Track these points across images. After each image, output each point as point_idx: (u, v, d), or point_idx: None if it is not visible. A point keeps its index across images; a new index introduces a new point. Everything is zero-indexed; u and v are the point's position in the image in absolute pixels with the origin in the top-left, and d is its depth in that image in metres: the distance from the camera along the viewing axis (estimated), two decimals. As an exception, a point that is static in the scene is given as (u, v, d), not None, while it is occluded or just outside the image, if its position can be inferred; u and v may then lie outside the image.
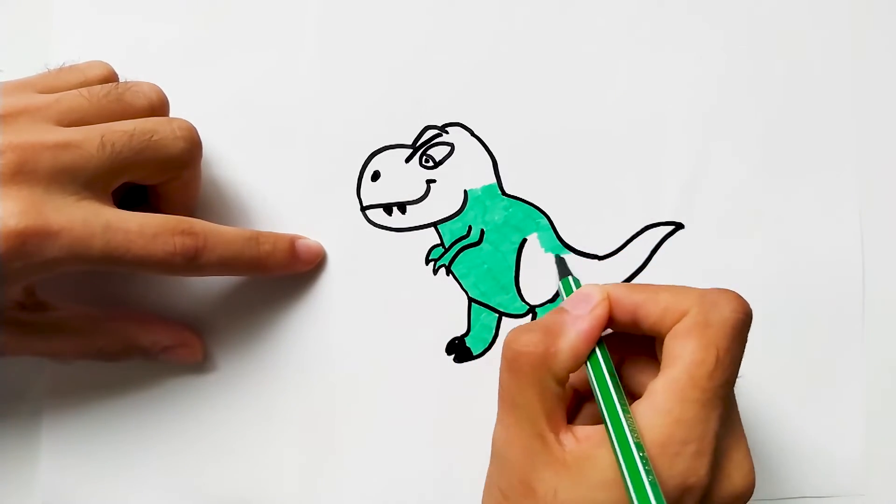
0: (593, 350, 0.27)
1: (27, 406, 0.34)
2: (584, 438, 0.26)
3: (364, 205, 0.35)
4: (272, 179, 0.35)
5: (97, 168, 0.28)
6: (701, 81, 0.35)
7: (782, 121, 0.35)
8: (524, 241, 0.35)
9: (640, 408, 0.25)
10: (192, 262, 0.29)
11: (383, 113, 0.35)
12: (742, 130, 0.35)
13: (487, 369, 0.34)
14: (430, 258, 0.35)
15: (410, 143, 0.35)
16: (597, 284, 0.28)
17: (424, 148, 0.35)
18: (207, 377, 0.34)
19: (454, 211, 0.35)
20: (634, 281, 0.35)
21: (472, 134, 0.35)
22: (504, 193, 0.35)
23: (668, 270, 0.35)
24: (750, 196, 0.35)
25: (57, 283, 0.31)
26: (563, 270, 0.32)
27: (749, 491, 0.26)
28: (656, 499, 0.23)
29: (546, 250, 0.35)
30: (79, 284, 0.34)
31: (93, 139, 0.28)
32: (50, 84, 0.30)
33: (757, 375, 0.34)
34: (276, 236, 0.33)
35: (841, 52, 0.36)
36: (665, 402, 0.25)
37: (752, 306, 0.34)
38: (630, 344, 0.29)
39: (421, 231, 0.35)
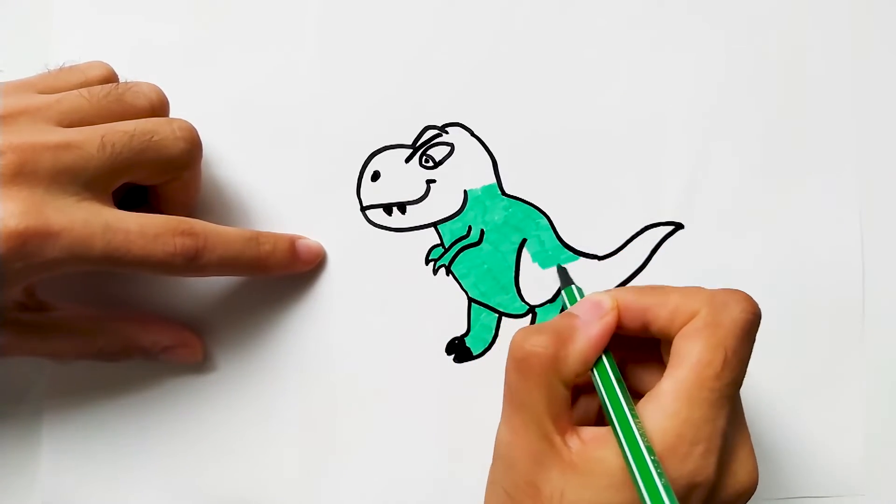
0: (600, 356, 0.27)
1: (27, 407, 0.34)
2: (590, 440, 0.26)
3: (364, 205, 0.35)
4: (272, 179, 0.35)
5: (97, 168, 0.28)
6: (701, 81, 0.35)
7: (782, 121, 0.35)
8: (524, 241, 0.35)
9: (648, 409, 0.25)
10: (193, 262, 0.29)
11: (383, 113, 0.35)
12: (742, 130, 0.35)
13: (487, 369, 0.34)
14: (429, 258, 0.35)
15: (410, 143, 0.35)
16: (606, 292, 0.28)
17: (424, 148, 0.35)
18: (207, 377, 0.34)
19: (454, 211, 0.35)
20: (634, 281, 0.35)
21: (472, 134, 0.35)
22: (504, 193, 0.35)
23: (668, 270, 0.35)
24: (750, 196, 0.35)
25: (57, 284, 0.31)
26: (566, 280, 0.33)
27: (753, 487, 0.26)
28: (671, 501, 0.23)
29: (546, 250, 0.35)
30: (79, 285, 0.34)
31: (93, 140, 0.28)
32: (50, 84, 0.30)
33: (757, 375, 0.34)
34: (277, 236, 0.33)
35: (841, 52, 0.36)
36: (673, 402, 0.25)
37: (752, 306, 0.35)
38: (631, 344, 0.29)
39: (421, 231, 0.35)
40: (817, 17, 0.36)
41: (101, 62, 0.32)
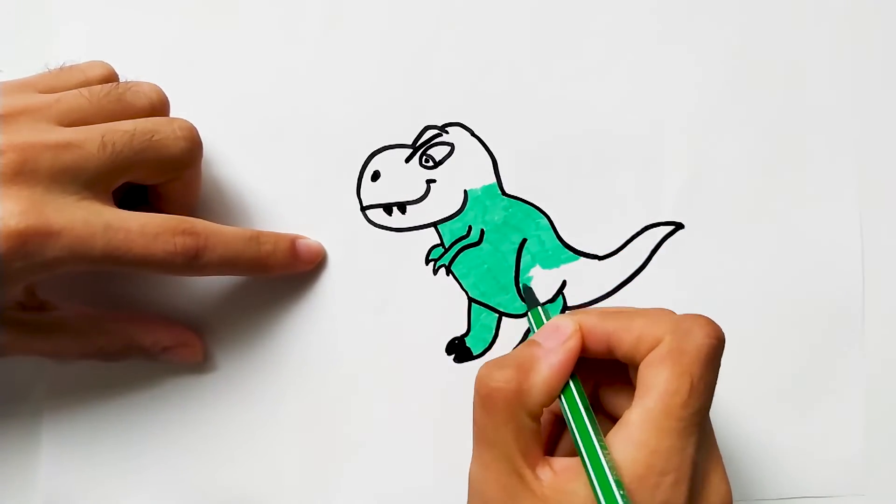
0: (567, 382, 0.27)
1: (27, 406, 0.34)
2: (561, 471, 0.26)
3: (364, 205, 0.35)
4: (272, 179, 0.35)
5: (98, 168, 0.28)
6: (701, 81, 0.35)
7: (782, 121, 0.35)
8: (524, 241, 0.35)
9: (616, 439, 0.25)
10: (193, 261, 0.29)
11: (383, 113, 0.35)
12: (742, 130, 0.35)
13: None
14: (430, 258, 0.35)
15: (410, 143, 0.35)
16: (568, 315, 0.28)
17: (424, 148, 0.35)
18: (207, 377, 0.34)
19: (454, 211, 0.35)
20: (635, 281, 0.35)
21: (472, 134, 0.35)
22: (504, 193, 0.35)
23: (668, 270, 0.35)
24: (750, 196, 0.35)
25: (58, 283, 0.31)
26: (532, 301, 0.32)
27: None
28: None
29: (546, 250, 0.35)
30: (79, 284, 0.34)
31: (94, 139, 0.28)
32: (50, 84, 0.30)
33: (757, 375, 0.34)
34: (277, 236, 0.33)
35: (841, 53, 0.36)
36: (641, 433, 0.25)
37: (751, 306, 0.35)
38: (603, 368, 0.28)
39: (421, 231, 0.35)
40: (817, 16, 0.36)
41: (102, 62, 0.32)
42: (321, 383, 0.34)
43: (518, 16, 0.35)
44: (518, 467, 0.26)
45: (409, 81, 0.35)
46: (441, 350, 0.34)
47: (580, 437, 0.26)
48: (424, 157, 0.35)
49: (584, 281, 0.34)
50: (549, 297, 0.34)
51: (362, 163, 0.35)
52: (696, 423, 0.25)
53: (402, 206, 0.35)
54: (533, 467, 0.26)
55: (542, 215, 0.35)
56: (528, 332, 0.34)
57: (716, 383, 0.26)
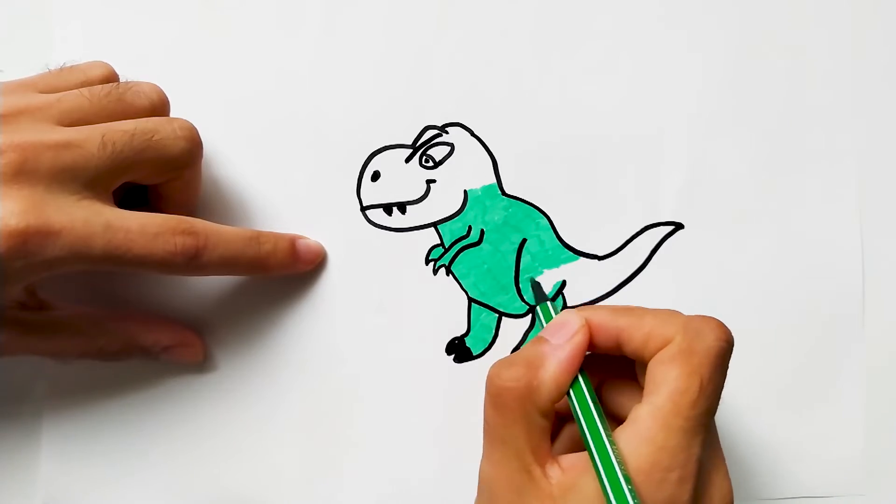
0: (575, 377, 0.27)
1: (28, 406, 0.34)
2: (568, 468, 0.26)
3: (364, 205, 0.35)
4: (272, 179, 0.35)
5: (98, 168, 0.28)
6: (701, 81, 0.35)
7: (782, 121, 0.35)
8: (524, 241, 0.35)
9: (624, 435, 0.26)
10: (193, 261, 0.29)
11: (383, 113, 0.35)
12: (742, 130, 0.35)
13: (487, 369, 0.34)
14: (430, 258, 0.35)
15: (410, 143, 0.35)
16: (575, 310, 0.28)
17: (424, 148, 0.35)
18: (208, 377, 0.34)
19: (454, 211, 0.35)
20: (635, 281, 0.35)
21: (472, 134, 0.35)
22: (504, 193, 0.35)
23: (668, 270, 0.35)
24: (750, 196, 0.35)
25: (58, 283, 0.31)
26: (540, 295, 0.33)
27: None
28: None
29: (546, 250, 0.35)
30: (80, 284, 0.34)
31: (94, 139, 0.28)
32: (51, 84, 0.30)
33: (757, 375, 0.34)
34: (277, 236, 0.33)
35: (841, 52, 0.36)
36: (649, 429, 0.25)
37: (751, 306, 0.35)
38: (610, 365, 0.29)
39: (421, 231, 0.35)
40: (817, 16, 0.36)
41: (102, 62, 0.32)
42: (321, 383, 0.34)
43: (518, 16, 0.35)
44: (528, 465, 0.26)
45: (409, 81, 0.35)
46: (441, 350, 0.34)
47: (589, 431, 0.26)
48: (424, 158, 0.35)
49: (583, 281, 0.34)
50: (549, 297, 0.34)
51: (362, 163, 0.35)
52: (703, 423, 0.26)
53: (402, 207, 0.35)
54: (542, 465, 0.26)
55: (541, 215, 0.35)
56: (528, 331, 0.34)
57: (723, 385, 0.27)
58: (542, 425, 0.26)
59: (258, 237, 0.32)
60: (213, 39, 0.35)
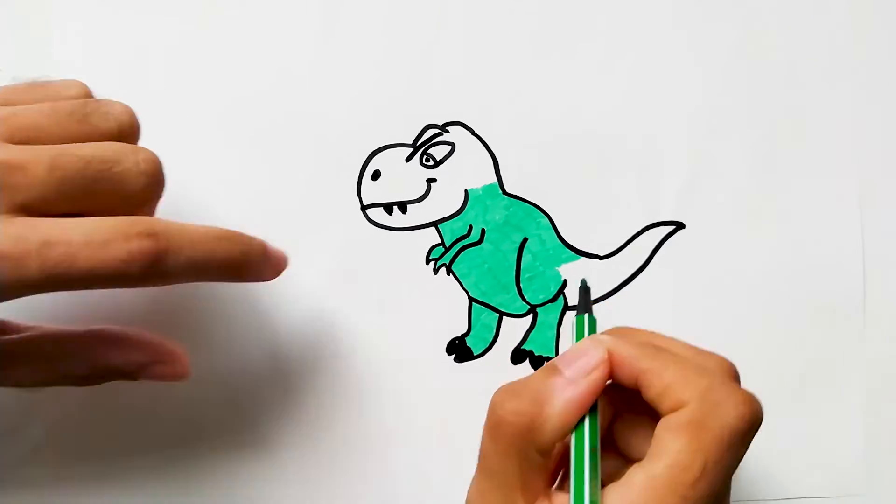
0: (582, 418, 0.25)
1: (27, 408, 0.33)
2: None
3: (364, 204, 0.35)
4: (272, 179, 0.35)
5: (42, 194, 0.24)
6: (701, 81, 0.35)
7: (782, 120, 0.35)
8: (525, 240, 0.35)
9: (613, 495, 0.24)
10: (153, 268, 0.24)
11: (384, 112, 0.35)
12: (742, 130, 0.35)
13: (488, 369, 0.34)
14: (430, 258, 0.34)
15: (411, 142, 0.35)
16: (600, 339, 0.26)
17: (425, 147, 0.35)
18: (206, 377, 0.34)
19: (455, 210, 0.35)
20: (635, 281, 0.34)
21: (473, 133, 0.35)
22: (505, 193, 0.35)
23: (668, 270, 0.35)
24: (750, 196, 0.35)
25: (11, 302, 0.26)
26: (584, 305, 0.29)
27: None
28: None
29: (547, 250, 0.35)
30: (35, 301, 0.31)
31: (41, 161, 0.24)
32: (12, 97, 0.27)
33: (757, 375, 0.34)
34: (248, 236, 0.28)
35: (841, 52, 0.36)
36: (639, 498, 0.23)
37: (752, 306, 0.34)
38: (629, 397, 0.26)
39: (421, 230, 0.35)
40: (817, 16, 0.36)
41: (78, 81, 0.29)
42: (321, 383, 0.34)
43: (519, 15, 0.36)
44: (513, 501, 0.24)
45: (410, 80, 0.35)
46: (441, 350, 0.34)
47: (574, 483, 0.24)
48: (425, 157, 0.35)
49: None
50: (550, 297, 0.34)
51: (362, 162, 0.35)
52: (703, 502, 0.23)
53: (402, 206, 0.35)
54: (531, 501, 0.25)
55: (542, 215, 0.35)
56: (529, 330, 0.34)
57: (737, 466, 0.25)
58: (538, 462, 0.25)
59: (229, 236, 0.27)
60: (213, 39, 0.35)
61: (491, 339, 0.34)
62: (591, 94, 0.35)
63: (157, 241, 0.24)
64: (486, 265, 0.34)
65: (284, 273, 0.34)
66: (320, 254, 0.34)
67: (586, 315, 0.28)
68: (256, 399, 0.34)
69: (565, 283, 0.34)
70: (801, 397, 0.34)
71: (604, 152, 0.35)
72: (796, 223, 0.35)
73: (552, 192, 0.35)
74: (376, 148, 0.35)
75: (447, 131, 0.35)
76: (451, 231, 0.35)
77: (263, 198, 0.35)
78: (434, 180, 0.35)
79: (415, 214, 0.35)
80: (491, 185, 0.35)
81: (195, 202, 0.35)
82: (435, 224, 0.35)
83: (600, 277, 0.34)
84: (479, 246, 0.35)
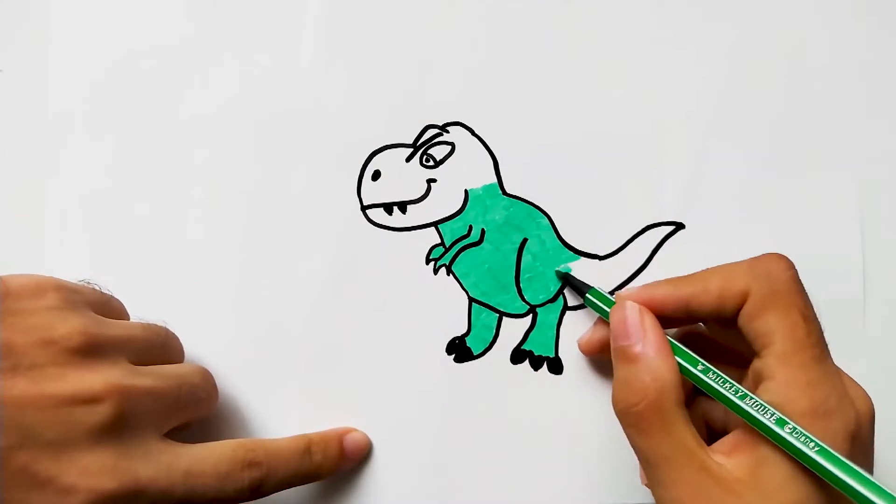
0: (674, 353, 0.27)
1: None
2: (731, 449, 0.26)
3: (364, 204, 0.35)
4: (272, 179, 0.35)
5: (167, 416, 0.28)
6: (701, 81, 0.35)
7: (782, 120, 0.35)
8: (525, 240, 0.35)
9: (769, 389, 0.26)
10: (256, 492, 0.29)
11: (384, 112, 0.35)
12: (742, 130, 0.35)
13: (487, 369, 0.34)
14: (430, 258, 0.34)
15: (411, 142, 0.35)
16: (626, 294, 0.29)
17: (425, 147, 0.35)
18: (207, 377, 0.34)
19: (455, 210, 0.35)
20: (635, 281, 0.34)
21: (473, 133, 0.35)
22: (505, 193, 0.35)
23: (668, 270, 0.34)
24: (750, 196, 0.35)
25: None
26: (580, 285, 0.33)
27: (872, 407, 0.27)
28: (828, 459, 0.23)
29: (547, 250, 0.35)
30: None
31: (172, 388, 0.28)
32: (93, 300, 0.29)
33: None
34: (326, 440, 0.32)
35: (841, 52, 0.36)
36: (788, 375, 0.25)
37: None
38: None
39: (421, 231, 0.35)
40: (818, 16, 0.36)
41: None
42: (321, 383, 0.34)
43: (519, 15, 0.35)
44: (702, 461, 0.25)
45: (410, 81, 0.35)
46: (441, 350, 0.34)
47: (727, 390, 0.26)
48: (425, 157, 0.35)
49: (584, 281, 0.34)
50: (550, 297, 0.34)
51: (363, 162, 0.35)
52: (823, 345, 0.26)
53: (402, 206, 0.35)
54: (709, 455, 0.26)
55: (542, 215, 0.35)
56: (529, 330, 0.34)
57: (812, 304, 0.27)
58: (686, 417, 0.26)
59: (309, 447, 0.31)
60: (212, 40, 0.35)
61: (491, 339, 0.34)
62: (591, 94, 0.35)
63: (261, 469, 0.29)
64: (486, 265, 0.34)
65: (284, 272, 0.34)
66: (320, 254, 0.34)
67: (588, 292, 0.32)
68: (255, 398, 0.34)
69: (565, 282, 0.34)
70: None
71: (604, 152, 0.35)
72: (796, 223, 0.35)
73: (552, 192, 0.35)
74: (376, 148, 0.35)
75: (447, 131, 0.35)
76: (451, 231, 0.35)
77: (263, 198, 0.35)
78: (434, 180, 0.35)
79: (415, 214, 0.35)
80: (491, 185, 0.35)
81: (195, 202, 0.35)
82: (435, 224, 0.35)
83: (600, 278, 0.34)
84: (479, 246, 0.34)
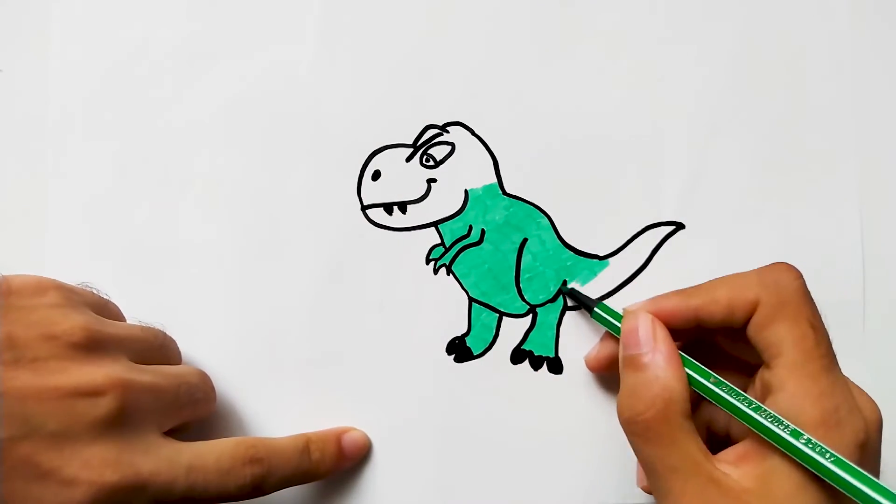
0: (686, 371, 0.27)
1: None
2: (738, 459, 0.26)
3: (364, 204, 0.35)
4: (273, 179, 0.35)
5: (168, 413, 0.28)
6: (701, 81, 0.35)
7: (782, 120, 0.35)
8: (525, 240, 0.35)
9: (780, 399, 0.26)
10: (258, 489, 0.29)
11: (384, 112, 0.35)
12: (742, 130, 0.35)
13: (487, 369, 0.34)
14: (430, 258, 0.34)
15: (411, 142, 0.35)
16: (636, 307, 0.30)
17: (425, 147, 0.35)
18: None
19: (455, 210, 0.35)
20: (635, 281, 0.34)
21: (473, 133, 0.35)
22: (505, 193, 0.35)
23: (668, 270, 0.35)
24: (750, 196, 0.35)
25: None
26: (587, 300, 0.33)
27: (880, 415, 0.27)
28: (845, 469, 0.24)
29: (547, 250, 0.35)
30: None
31: (173, 386, 0.28)
32: (92, 301, 0.29)
33: (757, 375, 0.34)
34: (324, 439, 0.32)
35: (841, 52, 0.36)
36: (799, 386, 0.25)
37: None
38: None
39: (421, 231, 0.35)
40: (818, 16, 0.36)
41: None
42: (321, 383, 0.34)
43: (519, 15, 0.35)
44: (709, 472, 0.25)
45: (410, 81, 0.35)
46: (441, 350, 0.34)
47: (740, 403, 0.26)
48: (425, 157, 0.35)
49: (584, 281, 0.34)
50: (550, 297, 0.34)
51: (363, 162, 0.35)
52: (831, 355, 0.26)
53: (402, 206, 0.35)
54: (715, 465, 0.26)
55: (542, 215, 0.35)
56: (529, 330, 0.34)
57: (820, 315, 0.28)
58: (693, 429, 0.26)
59: (308, 446, 0.31)
60: (212, 39, 0.35)
61: (491, 339, 0.34)
62: (591, 94, 0.35)
63: (262, 465, 0.29)
64: (485, 265, 0.34)
65: (284, 272, 0.34)
66: (320, 254, 0.34)
67: (595, 307, 0.32)
68: (254, 399, 0.34)
69: (565, 282, 0.34)
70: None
71: (604, 152, 0.35)
72: (796, 223, 0.35)
73: (552, 192, 0.35)
74: (376, 148, 0.35)
75: (447, 131, 0.35)
76: (451, 231, 0.35)
77: (264, 198, 0.35)
78: (434, 180, 0.35)
79: (415, 214, 0.35)
80: (491, 186, 0.35)
81: (195, 202, 0.35)
82: (435, 224, 0.35)
83: (600, 278, 0.34)
84: (479, 246, 0.34)
